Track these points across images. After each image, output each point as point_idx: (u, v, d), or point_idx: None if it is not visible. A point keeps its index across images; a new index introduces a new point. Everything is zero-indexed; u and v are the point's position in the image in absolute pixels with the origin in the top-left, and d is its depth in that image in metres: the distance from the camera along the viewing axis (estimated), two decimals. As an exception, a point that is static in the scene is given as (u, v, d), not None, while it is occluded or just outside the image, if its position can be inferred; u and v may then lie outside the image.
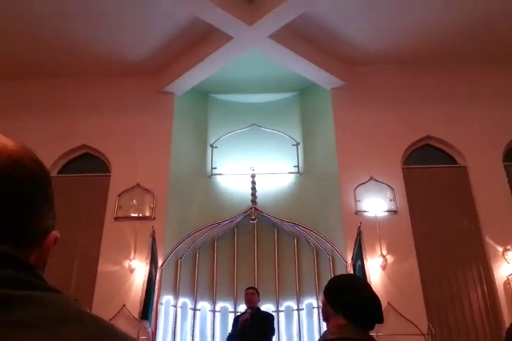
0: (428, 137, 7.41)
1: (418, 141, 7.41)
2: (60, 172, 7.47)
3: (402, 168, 7.18)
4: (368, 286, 1.50)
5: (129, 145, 7.41)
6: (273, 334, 5.57)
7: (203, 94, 8.49)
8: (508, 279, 6.31)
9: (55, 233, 0.55)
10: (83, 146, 7.57)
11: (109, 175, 7.30)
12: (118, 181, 7.18)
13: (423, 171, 7.23)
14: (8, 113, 7.57)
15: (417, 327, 5.97)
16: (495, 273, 6.41)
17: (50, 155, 7.20)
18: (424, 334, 5.96)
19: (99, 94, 7.89)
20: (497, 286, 6.34)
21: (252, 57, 7.46)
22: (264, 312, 5.89)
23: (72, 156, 7.60)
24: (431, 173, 7.22)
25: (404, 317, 5.98)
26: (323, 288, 1.58)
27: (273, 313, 6.21)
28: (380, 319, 1.43)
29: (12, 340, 0.35)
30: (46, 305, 0.40)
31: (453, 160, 7.36)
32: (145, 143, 7.41)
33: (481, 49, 7.44)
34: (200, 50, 7.31)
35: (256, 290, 5.95)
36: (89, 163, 7.56)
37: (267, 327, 5.47)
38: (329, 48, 7.49)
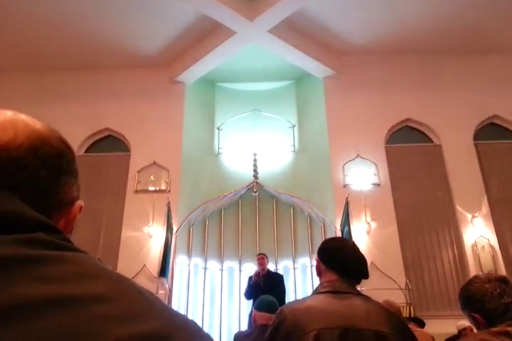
0: (408, 120, 7.47)
1: (399, 123, 7.47)
2: (86, 151, 7.60)
3: (385, 147, 7.26)
4: (355, 247, 1.50)
5: (146, 128, 7.49)
6: (284, 292, 5.62)
7: (210, 83, 8.50)
8: (475, 242, 6.45)
9: (79, 202, 0.55)
10: (106, 129, 7.67)
11: (129, 154, 7.40)
12: (137, 159, 7.29)
13: (403, 149, 7.30)
14: (39, 101, 7.64)
15: (396, 282, 6.14)
16: (464, 237, 6.54)
17: (77, 137, 7.30)
18: (402, 289, 6.15)
19: (120, 83, 7.93)
20: (466, 248, 6.48)
21: (253, 50, 7.46)
22: (274, 272, 6.00)
23: (96, 138, 7.70)
24: (410, 151, 7.29)
25: (386, 275, 6.13)
26: (315, 251, 1.55)
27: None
28: (365, 274, 1.44)
29: (36, 293, 0.34)
30: (72, 262, 0.39)
31: (429, 140, 7.42)
32: (160, 127, 7.50)
33: (454, 41, 7.45)
34: (207, 43, 7.34)
35: (265, 255, 6.00)
36: (111, 144, 7.65)
37: (277, 285, 5.54)
38: (321, 41, 7.50)
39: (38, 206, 0.45)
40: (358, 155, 7.12)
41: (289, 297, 6.61)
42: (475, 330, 1.53)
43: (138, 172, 7.17)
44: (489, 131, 7.37)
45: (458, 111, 7.34)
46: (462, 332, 4.78)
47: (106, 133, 7.73)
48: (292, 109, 8.35)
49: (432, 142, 7.39)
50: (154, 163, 7.21)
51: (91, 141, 7.68)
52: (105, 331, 0.33)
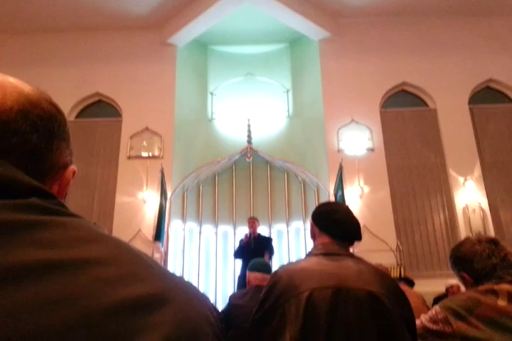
0: (403, 83, 7.38)
1: (395, 86, 7.37)
2: (77, 117, 7.49)
3: (380, 111, 7.20)
4: (349, 210, 1.51)
5: (137, 93, 7.35)
6: (272, 253, 5.87)
7: (202, 46, 8.28)
8: (466, 205, 6.55)
9: (73, 167, 0.53)
10: (96, 94, 7.51)
11: (121, 120, 7.31)
12: (129, 125, 7.20)
13: (398, 114, 7.26)
14: (26, 64, 7.42)
15: (387, 244, 6.28)
16: (455, 200, 6.64)
17: (67, 102, 7.16)
18: (393, 250, 6.30)
19: (109, 46, 7.70)
20: (456, 211, 6.59)
21: (246, 11, 7.22)
22: (264, 236, 6.16)
23: (86, 103, 7.55)
24: (405, 116, 7.25)
25: (377, 237, 6.25)
26: (308, 215, 1.57)
27: (267, 235, 6.53)
28: (358, 236, 1.46)
29: (34, 258, 0.34)
30: (68, 227, 0.38)
31: (424, 104, 7.36)
32: (152, 91, 7.36)
33: (452, 4, 7.25)
34: (199, 4, 7.09)
35: (256, 219, 6.20)
36: (102, 109, 7.52)
37: (267, 248, 5.77)
38: (317, 1, 7.25)
39: (31, 171, 0.44)
40: (352, 120, 7.08)
41: (283, 259, 6.80)
42: (462, 289, 1.59)
43: (130, 138, 7.11)
44: (485, 95, 7.32)
45: (454, 74, 7.25)
46: (450, 289, 4.97)
47: (96, 98, 7.58)
48: (286, 73, 8.20)
49: (427, 106, 7.33)
50: (146, 128, 7.14)
51: (81, 106, 7.54)
52: (104, 293, 0.34)
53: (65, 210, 0.41)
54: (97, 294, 0.33)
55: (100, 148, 7.21)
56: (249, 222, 6.10)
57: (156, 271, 0.39)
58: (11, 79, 0.48)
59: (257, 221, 6.16)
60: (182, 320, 0.36)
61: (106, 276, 0.35)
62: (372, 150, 6.93)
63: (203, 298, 0.42)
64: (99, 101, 7.59)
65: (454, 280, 5.02)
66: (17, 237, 0.35)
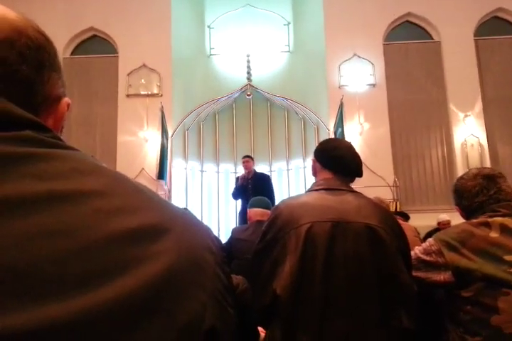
0: (408, 14, 7.00)
1: (399, 17, 7.01)
2: (72, 54, 7.22)
3: (383, 44, 6.93)
4: (351, 146, 1.52)
5: (132, 27, 6.99)
6: (273, 191, 5.68)
7: (197, -25, 7.79)
8: (465, 140, 6.55)
9: (66, 100, 0.50)
10: (91, 29, 7.16)
11: (117, 56, 7.06)
12: (125, 61, 6.97)
13: (401, 47, 7.00)
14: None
15: (385, 180, 6.38)
16: (454, 136, 6.62)
17: (60, 38, 6.84)
18: (390, 186, 6.43)
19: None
20: (455, 147, 6.61)
21: None
22: (260, 173, 5.96)
23: (81, 39, 7.23)
24: (408, 49, 7.00)
25: (375, 173, 6.29)
26: (308, 153, 1.56)
27: (267, 173, 6.55)
28: (359, 173, 1.47)
29: (31, 190, 0.33)
30: (66, 159, 0.37)
31: (429, 36, 7.06)
32: (147, 25, 6.98)
33: None
34: None
35: (250, 157, 5.92)
36: (98, 45, 7.23)
37: (265, 186, 5.57)
38: None
39: (23, 104, 0.41)
40: (354, 54, 6.85)
41: (283, 197, 6.89)
42: (453, 223, 1.64)
43: (128, 75, 6.92)
44: (491, 26, 6.97)
45: (461, 4, 6.85)
46: (441, 224, 5.15)
47: (91, 33, 7.25)
48: (287, 4, 7.77)
49: (432, 39, 7.05)
50: (144, 65, 6.93)
51: (76, 43, 7.24)
52: (105, 223, 0.34)
53: (62, 143, 0.40)
54: (98, 224, 0.33)
55: (99, 86, 7.05)
56: (243, 162, 5.80)
57: (155, 202, 0.39)
58: None
59: (252, 159, 5.87)
60: (183, 248, 0.36)
61: (106, 207, 0.35)
62: (373, 85, 6.80)
63: (204, 228, 0.42)
64: (94, 36, 7.27)
65: (446, 216, 5.17)
66: (12, 169, 0.34)
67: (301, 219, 1.30)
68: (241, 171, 6.84)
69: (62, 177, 0.35)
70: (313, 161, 1.54)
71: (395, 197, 6.35)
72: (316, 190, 1.43)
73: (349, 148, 1.50)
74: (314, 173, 1.54)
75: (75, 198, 0.34)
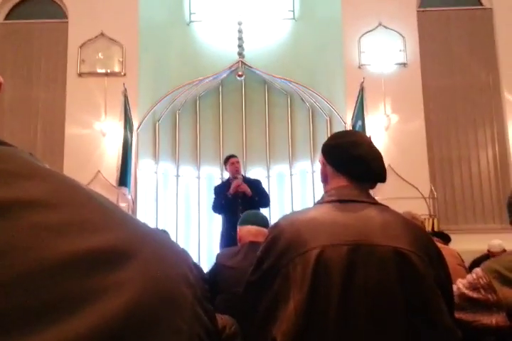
0: (451, -28, 7.15)
1: (439, -24, 7.16)
2: (6, 18, 7.22)
3: (417, 11, 7.01)
4: (370, 141, 1.51)
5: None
6: (268, 201, 5.73)
7: None
8: (524, 139, 6.66)
9: None
10: (30, -16, 7.22)
11: (67, 22, 7.08)
12: (78, 29, 6.96)
13: (441, 15, 7.09)
14: None
15: (418, 190, 6.40)
16: (510, 132, 6.69)
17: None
18: (425, 198, 6.44)
19: None
20: (510, 146, 6.68)
21: None
22: (249, 178, 5.97)
23: (18, -1, 7.29)
24: (450, 17, 7.09)
25: (405, 181, 6.34)
26: (318, 152, 1.54)
27: (263, 179, 6.55)
28: (383, 176, 1.46)
29: None
30: None
31: (478, 1, 7.16)
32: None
33: None
34: None
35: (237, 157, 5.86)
36: (41, 7, 7.24)
37: (259, 193, 5.58)
38: None
39: None
40: (379, 24, 6.91)
41: (284, 211, 6.91)
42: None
43: (80, 47, 6.92)
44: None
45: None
46: (492, 250, 5.12)
47: (31, -9, 7.28)
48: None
49: (481, 4, 7.14)
50: (102, 34, 6.93)
51: (11, 4, 7.24)
52: (47, 245, 0.33)
53: None
54: (40, 245, 0.32)
55: (41, 62, 7.06)
56: (232, 163, 5.67)
57: (117, 217, 0.39)
58: None
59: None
60: (152, 279, 0.36)
61: (49, 223, 0.34)
62: (404, 65, 6.85)
63: (179, 252, 0.42)
64: (36, -6, 7.31)
65: (500, 241, 5.14)
66: None
67: (309, 242, 1.29)
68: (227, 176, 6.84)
69: None
70: (323, 163, 1.53)
71: (432, 213, 6.38)
72: (328, 202, 1.43)
73: (370, 144, 1.50)
74: (324, 180, 1.54)
75: (7, 210, 0.33)
